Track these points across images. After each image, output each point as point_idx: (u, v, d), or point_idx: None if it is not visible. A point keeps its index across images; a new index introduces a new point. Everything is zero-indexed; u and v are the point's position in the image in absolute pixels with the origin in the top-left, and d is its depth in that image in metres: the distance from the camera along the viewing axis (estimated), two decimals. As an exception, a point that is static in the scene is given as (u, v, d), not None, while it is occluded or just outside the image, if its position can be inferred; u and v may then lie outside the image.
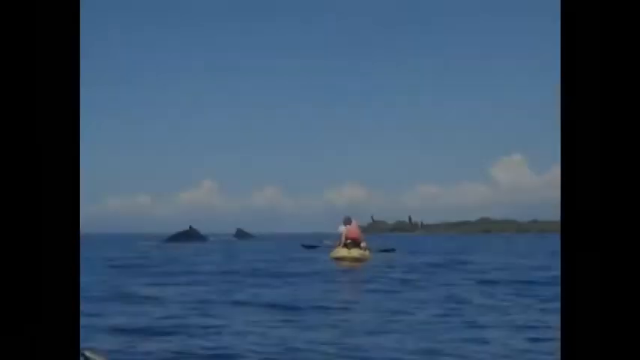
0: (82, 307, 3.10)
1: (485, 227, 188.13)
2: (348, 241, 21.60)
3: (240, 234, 68.85)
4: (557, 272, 4.64)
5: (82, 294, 3.24)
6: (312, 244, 28.96)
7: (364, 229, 23.40)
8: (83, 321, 3.46)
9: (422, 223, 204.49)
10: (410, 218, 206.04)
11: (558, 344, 2.99)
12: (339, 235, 22.01)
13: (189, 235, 57.20)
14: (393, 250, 28.28)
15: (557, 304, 3.25)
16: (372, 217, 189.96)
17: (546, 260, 23.99)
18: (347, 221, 22.04)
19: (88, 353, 3.32)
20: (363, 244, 21.98)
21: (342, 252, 21.15)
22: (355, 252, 21.09)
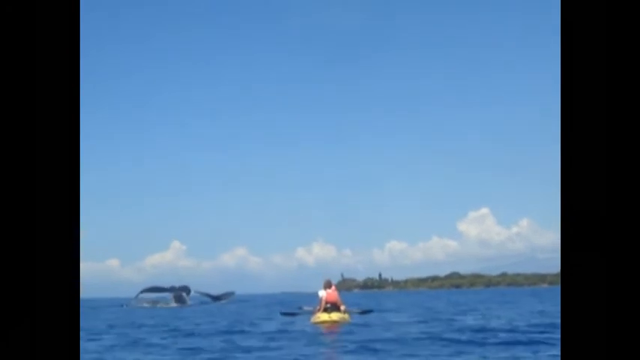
0: None
1: (455, 282, 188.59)
2: (328, 305, 21.69)
3: (214, 297, 68.61)
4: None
5: None
6: (291, 310, 28.77)
7: (334, 287, 23.66)
8: None
9: (392, 279, 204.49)
10: (380, 275, 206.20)
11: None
12: (319, 300, 22.07)
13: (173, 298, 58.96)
14: (371, 311, 28.35)
15: None
16: (341, 275, 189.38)
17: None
18: (327, 285, 22.18)
19: None
20: (342, 308, 22.06)
21: (323, 317, 21.22)
22: (335, 316, 21.23)
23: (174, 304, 56.24)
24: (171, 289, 60.37)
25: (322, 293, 21.98)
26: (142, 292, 61.35)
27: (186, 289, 61.43)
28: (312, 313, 23.03)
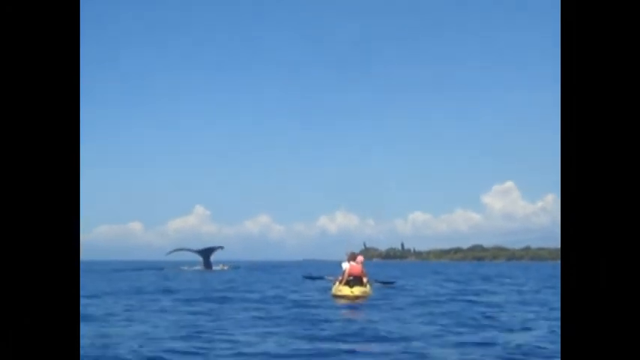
0: None
1: (477, 254, 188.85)
2: (351, 277, 20.60)
3: (237, 265, 70.67)
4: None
5: None
6: (313, 275, 28.51)
7: (356, 256, 22.59)
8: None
9: (414, 249, 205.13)
10: (402, 245, 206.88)
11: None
12: (342, 272, 20.93)
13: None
14: (393, 282, 27.83)
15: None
16: (364, 244, 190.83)
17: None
18: (351, 257, 21.08)
19: None
20: (365, 280, 20.91)
21: (345, 290, 20.20)
22: (357, 290, 20.13)
23: (201, 269, 58.03)
24: (202, 251, 62.35)
25: (345, 265, 21.03)
26: (173, 250, 63.65)
27: (221, 248, 63.67)
28: (333, 283, 22.13)
